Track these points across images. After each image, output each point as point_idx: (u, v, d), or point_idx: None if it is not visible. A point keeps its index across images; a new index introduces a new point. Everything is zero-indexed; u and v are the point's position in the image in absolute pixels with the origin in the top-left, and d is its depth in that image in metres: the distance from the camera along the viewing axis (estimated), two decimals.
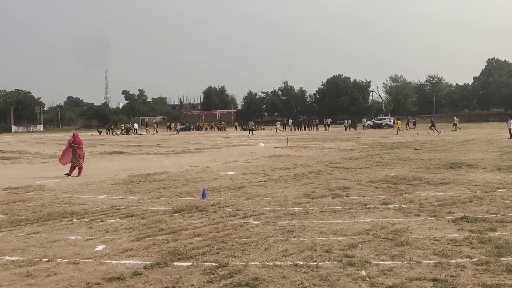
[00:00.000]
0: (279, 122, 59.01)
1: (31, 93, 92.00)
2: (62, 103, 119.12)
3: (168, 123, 74.94)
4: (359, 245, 5.77)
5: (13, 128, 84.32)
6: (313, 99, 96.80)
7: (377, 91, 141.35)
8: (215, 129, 63.04)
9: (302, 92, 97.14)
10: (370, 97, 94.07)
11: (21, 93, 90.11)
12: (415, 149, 20.46)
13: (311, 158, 17.59)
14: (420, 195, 9.09)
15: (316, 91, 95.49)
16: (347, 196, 9.21)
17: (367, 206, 8.16)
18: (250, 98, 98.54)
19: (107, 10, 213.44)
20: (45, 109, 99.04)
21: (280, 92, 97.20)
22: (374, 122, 58.07)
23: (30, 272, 5.10)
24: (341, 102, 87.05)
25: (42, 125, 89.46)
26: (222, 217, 7.58)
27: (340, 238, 6.16)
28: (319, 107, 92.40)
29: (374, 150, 20.85)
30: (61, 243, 6.31)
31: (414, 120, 50.61)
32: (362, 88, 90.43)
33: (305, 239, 6.16)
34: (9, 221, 7.72)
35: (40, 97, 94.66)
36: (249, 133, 45.80)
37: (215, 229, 6.77)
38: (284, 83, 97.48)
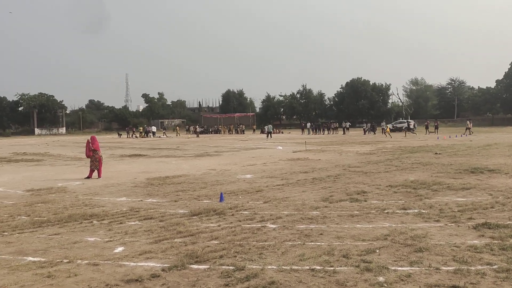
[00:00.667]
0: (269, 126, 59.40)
1: (54, 97, 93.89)
2: (84, 106, 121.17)
3: (187, 126, 75.54)
4: (377, 251, 5.73)
5: (36, 130, 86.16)
6: (332, 102, 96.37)
7: (397, 94, 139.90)
8: (234, 132, 63.26)
9: (321, 95, 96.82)
10: (390, 101, 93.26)
11: (44, 96, 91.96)
12: (436, 153, 20.17)
13: (329, 162, 17.51)
14: (440, 201, 8.95)
15: (335, 94, 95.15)
16: (366, 201, 9.14)
17: (386, 211, 8.09)
18: (268, 101, 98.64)
19: (129, 19, 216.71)
20: (67, 112, 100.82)
21: (298, 96, 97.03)
22: (394, 125, 57.36)
23: (51, 272, 5.21)
24: (360, 105, 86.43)
25: (64, 128, 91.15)
26: (240, 221, 7.60)
27: (358, 243, 6.12)
28: (338, 110, 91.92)
29: (394, 154, 20.63)
30: (82, 244, 6.42)
31: (435, 124, 49.91)
32: (382, 91, 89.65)
33: (323, 243, 6.14)
34: (32, 222, 7.89)
35: (62, 100, 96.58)
36: (267, 136, 45.73)
37: (232, 233, 6.80)
38: (303, 86, 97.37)
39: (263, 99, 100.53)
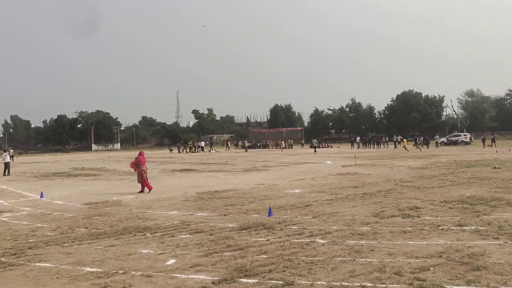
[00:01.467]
0: (287, 140, 58.71)
1: (109, 114, 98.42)
2: (137, 123, 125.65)
3: (236, 141, 76.42)
4: (431, 268, 5.52)
5: (93, 146, 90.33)
6: (382, 116, 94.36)
7: (451, 106, 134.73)
8: (282, 147, 63.27)
9: (371, 108, 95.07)
10: (444, 113, 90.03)
11: (100, 114, 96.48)
12: (494, 167, 19.20)
13: (380, 177, 17.12)
14: (499, 217, 8.51)
15: (385, 107, 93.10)
16: (419, 217, 8.85)
17: (440, 228, 7.79)
18: (316, 115, 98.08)
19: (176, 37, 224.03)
20: (122, 128, 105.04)
21: (347, 109, 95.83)
22: (449, 139, 55.23)
23: (107, 283, 5.42)
24: (411, 118, 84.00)
25: (119, 144, 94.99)
26: (288, 235, 7.59)
27: (410, 260, 5.93)
28: (388, 123, 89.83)
29: (449, 168, 19.85)
30: (136, 256, 6.65)
31: (492, 137, 47.58)
32: (435, 104, 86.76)
33: (374, 260, 6.00)
34: (89, 234, 8.27)
35: (117, 117, 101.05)
36: (315, 151, 45.42)
37: (281, 247, 6.79)
38: (352, 99, 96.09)
39: (311, 113, 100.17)
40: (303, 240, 7.20)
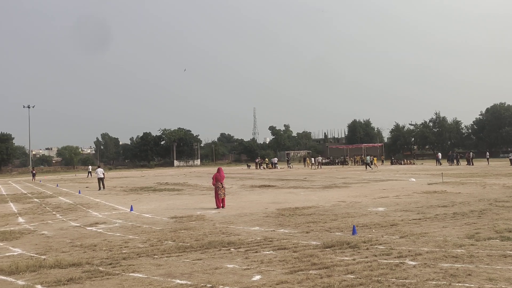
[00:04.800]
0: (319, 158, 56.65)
1: (190, 131, 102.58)
2: (216, 139, 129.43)
3: (313, 158, 75.76)
4: None
5: (175, 162, 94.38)
6: (469, 131, 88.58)
7: None
8: (360, 163, 61.59)
9: (457, 123, 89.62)
10: None
11: (182, 131, 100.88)
12: None
13: (472, 196, 15.99)
14: None
15: (473, 122, 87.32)
16: None
17: None
18: (397, 130, 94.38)
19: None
20: (202, 145, 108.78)
21: (431, 124, 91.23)
22: None
23: None
24: (504, 133, 77.93)
25: (199, 160, 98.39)
26: (375, 255, 7.30)
27: None
28: (477, 139, 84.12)
29: None
30: (222, 270, 6.76)
31: None
32: None
33: (472, 285, 5.58)
34: (177, 247, 8.57)
35: (198, 134, 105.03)
36: (366, 168, 44.28)
37: (368, 267, 6.55)
38: (436, 114, 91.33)
39: (392, 129, 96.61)
40: (392, 261, 6.89)
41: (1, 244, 9.88)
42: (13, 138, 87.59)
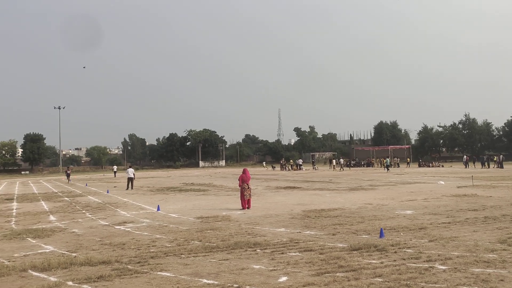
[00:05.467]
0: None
1: (216, 132, 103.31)
2: (241, 141, 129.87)
3: (334, 160, 75.05)
4: None
5: (201, 163, 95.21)
6: (501, 133, 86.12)
7: None
8: (384, 165, 60.71)
9: (487, 125, 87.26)
10: None
11: (207, 132, 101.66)
12: None
13: (504, 199, 15.55)
14: None
15: (505, 123, 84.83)
16: None
17: None
18: (425, 132, 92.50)
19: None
20: (227, 146, 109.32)
21: (460, 126, 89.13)
22: None
23: None
24: None
25: (224, 161, 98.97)
26: (404, 259, 7.19)
27: None
28: (508, 141, 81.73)
29: None
30: (248, 271, 6.78)
31: None
32: None
33: None
34: (203, 247, 8.64)
35: (223, 135, 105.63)
36: (387, 170, 43.83)
37: (397, 271, 6.45)
38: (466, 115, 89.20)
39: (419, 131, 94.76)
40: (421, 265, 6.76)
41: (34, 241, 10.17)
42: (45, 138, 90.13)
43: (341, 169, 53.57)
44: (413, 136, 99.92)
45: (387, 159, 49.53)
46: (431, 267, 6.66)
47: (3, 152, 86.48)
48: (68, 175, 43.31)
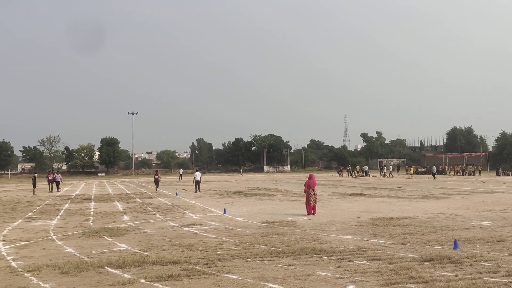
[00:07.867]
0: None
1: (281, 137, 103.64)
2: (306, 146, 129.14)
3: (406, 166, 72.35)
4: None
5: (265, 168, 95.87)
6: None
7: None
8: (461, 173, 57.58)
9: None
10: None
11: (273, 137, 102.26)
12: None
13: None
14: None
15: None
16: None
17: None
18: (504, 139, 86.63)
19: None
20: (292, 151, 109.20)
21: None
22: None
23: None
24: None
25: (288, 166, 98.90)
26: (480, 272, 6.78)
27: None
28: None
29: None
30: (314, 277, 6.72)
31: None
32: None
33: None
34: (269, 251, 8.69)
35: (288, 141, 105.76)
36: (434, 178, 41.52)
37: (473, 285, 6.10)
38: None
39: (498, 137, 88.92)
40: (499, 280, 6.34)
41: (110, 239, 10.77)
42: (119, 142, 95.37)
43: (390, 176, 52.11)
44: (490, 143, 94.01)
45: (434, 166, 48.09)
46: (510, 282, 6.22)
47: (82, 154, 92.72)
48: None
